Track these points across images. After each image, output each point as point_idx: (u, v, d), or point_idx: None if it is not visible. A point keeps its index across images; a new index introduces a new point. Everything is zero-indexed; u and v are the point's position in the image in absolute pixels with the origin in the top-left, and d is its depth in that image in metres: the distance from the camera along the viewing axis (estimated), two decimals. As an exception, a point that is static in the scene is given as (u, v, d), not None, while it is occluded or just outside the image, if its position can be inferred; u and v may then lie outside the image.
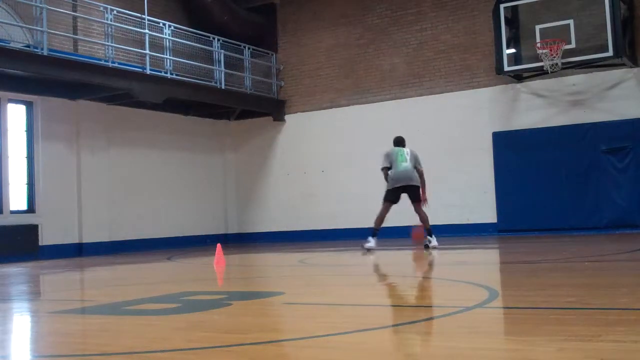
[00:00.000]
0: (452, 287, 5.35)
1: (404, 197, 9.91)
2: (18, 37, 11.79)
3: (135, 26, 13.43)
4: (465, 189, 13.95)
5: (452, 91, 14.36)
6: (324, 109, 15.81)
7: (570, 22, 12.33)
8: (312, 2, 16.13)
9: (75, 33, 13.10)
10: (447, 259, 8.66)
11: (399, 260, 8.58)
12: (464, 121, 14.08)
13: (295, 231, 15.78)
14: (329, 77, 15.83)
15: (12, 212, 12.29)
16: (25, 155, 12.60)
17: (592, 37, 12.27)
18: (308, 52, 16.15)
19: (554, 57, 12.15)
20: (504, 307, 4.18)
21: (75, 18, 13.11)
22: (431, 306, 4.30)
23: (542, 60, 12.32)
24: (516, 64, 13.04)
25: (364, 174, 14.91)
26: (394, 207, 9.93)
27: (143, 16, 13.33)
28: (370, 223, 10.20)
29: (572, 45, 12.25)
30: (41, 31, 11.27)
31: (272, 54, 16.39)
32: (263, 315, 4.38)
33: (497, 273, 6.96)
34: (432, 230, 9.91)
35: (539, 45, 12.36)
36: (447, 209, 14.06)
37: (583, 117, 13.02)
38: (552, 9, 12.65)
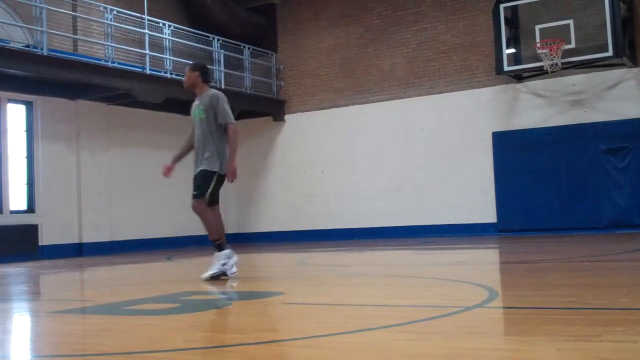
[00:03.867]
0: (451, 287, 5.34)
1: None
2: (18, 37, 11.79)
3: (135, 26, 13.43)
4: (465, 189, 13.95)
5: (452, 91, 14.35)
6: (324, 109, 15.80)
7: (570, 22, 12.33)
8: (312, 2, 16.12)
9: (75, 33, 13.10)
10: (447, 259, 8.66)
11: (399, 260, 8.58)
12: (464, 121, 14.07)
13: (295, 231, 15.77)
14: (329, 77, 15.82)
15: (12, 212, 12.28)
16: (25, 155, 12.59)
17: (592, 37, 12.27)
18: (308, 52, 16.15)
19: (554, 57, 12.15)
20: (504, 307, 4.18)
21: (75, 18, 13.10)
22: (431, 306, 4.30)
23: (542, 60, 12.32)
24: (516, 64, 13.04)
25: (364, 174, 14.95)
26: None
27: (143, 16, 13.33)
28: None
29: (572, 45, 12.25)
30: (41, 31, 11.26)
31: (272, 54, 16.38)
32: (263, 315, 4.38)
33: (497, 273, 6.96)
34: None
35: (538, 45, 12.36)
36: (447, 209, 14.08)
37: (583, 117, 13.02)
38: (552, 9, 12.65)
